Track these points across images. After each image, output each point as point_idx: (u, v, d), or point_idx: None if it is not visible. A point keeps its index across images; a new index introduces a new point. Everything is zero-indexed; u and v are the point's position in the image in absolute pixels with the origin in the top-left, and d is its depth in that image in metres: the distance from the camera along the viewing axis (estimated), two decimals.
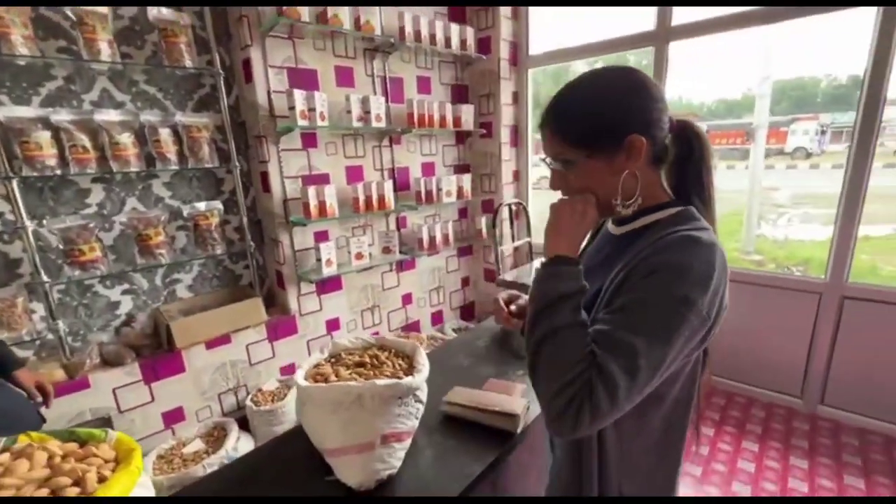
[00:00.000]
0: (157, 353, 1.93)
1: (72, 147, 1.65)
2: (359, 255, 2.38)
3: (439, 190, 2.65)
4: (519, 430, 1.02)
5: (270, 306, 2.31)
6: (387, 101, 2.45)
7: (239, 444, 1.92)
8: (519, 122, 3.07)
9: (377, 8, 2.24)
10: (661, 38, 2.37)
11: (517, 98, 3.02)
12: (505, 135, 2.97)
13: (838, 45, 2.57)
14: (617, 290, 0.60)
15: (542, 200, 3.45)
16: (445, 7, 2.74)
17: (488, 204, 3.11)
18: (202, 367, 2.03)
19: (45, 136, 1.60)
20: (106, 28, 1.66)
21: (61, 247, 1.69)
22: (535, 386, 0.60)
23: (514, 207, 2.96)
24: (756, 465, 1.95)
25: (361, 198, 2.31)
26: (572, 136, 0.64)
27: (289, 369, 2.35)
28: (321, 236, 2.36)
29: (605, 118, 0.62)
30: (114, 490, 0.57)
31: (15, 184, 1.57)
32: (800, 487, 1.81)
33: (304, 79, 2.16)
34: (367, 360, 1.00)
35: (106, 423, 1.80)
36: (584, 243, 0.70)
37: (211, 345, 2.04)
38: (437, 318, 3.11)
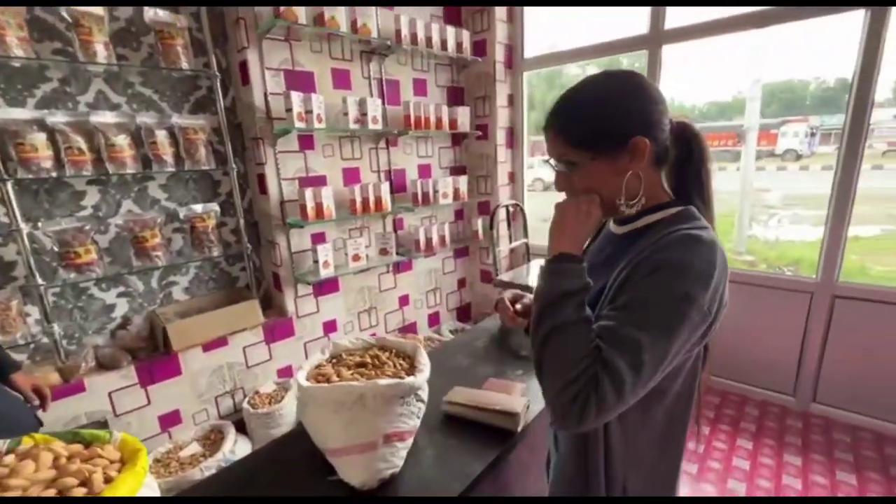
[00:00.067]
0: (153, 355, 1.92)
1: (67, 149, 1.64)
2: (356, 257, 2.38)
3: (436, 192, 2.66)
4: (519, 429, 1.03)
5: (267, 308, 2.31)
6: (383, 103, 2.46)
7: (236, 447, 1.91)
8: (514, 124, 3.09)
9: (374, 11, 2.25)
10: (654, 41, 2.40)
11: (513, 100, 3.04)
12: (501, 137, 2.99)
13: (826, 49, 2.62)
14: (620, 287, 0.62)
15: (536, 202, 3.48)
16: (441, 9, 2.76)
17: (484, 205, 3.13)
18: (199, 370, 2.02)
19: (40, 138, 1.59)
20: (102, 30, 1.66)
21: (56, 249, 1.68)
22: (541, 381, 0.62)
23: (510, 209, 2.98)
24: (751, 462, 1.97)
25: (358, 199, 2.32)
26: (576, 139, 0.65)
27: (286, 371, 2.34)
28: (318, 238, 2.36)
29: (609, 120, 0.63)
30: (120, 490, 0.57)
31: (9, 186, 1.56)
32: (793, 484, 1.84)
33: (300, 81, 2.17)
34: (369, 360, 1.01)
35: (102, 426, 1.78)
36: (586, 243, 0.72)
37: (207, 347, 2.03)
38: (433, 320, 3.11)
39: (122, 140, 1.74)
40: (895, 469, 1.89)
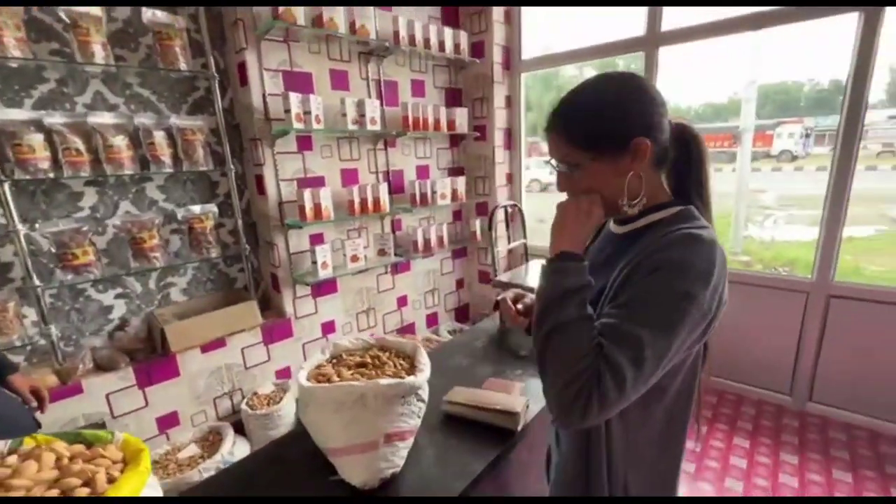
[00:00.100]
0: (151, 357, 1.92)
1: (65, 150, 1.63)
2: (354, 258, 2.39)
3: (434, 192, 2.67)
4: (519, 428, 1.03)
5: (265, 309, 2.31)
6: (381, 104, 2.46)
7: (235, 449, 1.90)
8: (512, 125, 3.10)
9: (372, 12, 2.25)
10: (651, 43, 2.42)
11: (510, 102, 3.06)
12: (498, 138, 3.00)
13: (820, 51, 2.65)
14: (622, 285, 0.63)
15: (533, 203, 3.49)
16: (439, 11, 2.77)
17: (482, 206, 3.14)
18: (197, 371, 2.02)
19: (37, 139, 1.58)
20: (100, 31, 1.66)
21: (54, 250, 1.68)
22: (543, 379, 0.62)
23: (509, 209, 2.99)
24: (748, 461, 1.99)
25: (357, 200, 2.32)
26: (578, 140, 0.66)
27: (284, 373, 2.34)
28: (316, 239, 2.36)
29: (610, 122, 0.64)
30: (124, 490, 0.57)
31: (6, 187, 1.55)
32: (790, 482, 1.85)
33: (299, 82, 2.17)
34: (369, 360, 1.01)
35: (99, 428, 1.77)
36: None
37: (206, 348, 2.02)
38: (431, 321, 3.12)
39: (119, 141, 1.74)
40: (890, 467, 1.90)
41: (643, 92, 0.65)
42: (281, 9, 1.91)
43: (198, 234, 1.99)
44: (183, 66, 1.85)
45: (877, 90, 2.01)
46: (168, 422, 1.97)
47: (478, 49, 2.87)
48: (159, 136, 1.84)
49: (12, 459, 0.60)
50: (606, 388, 0.56)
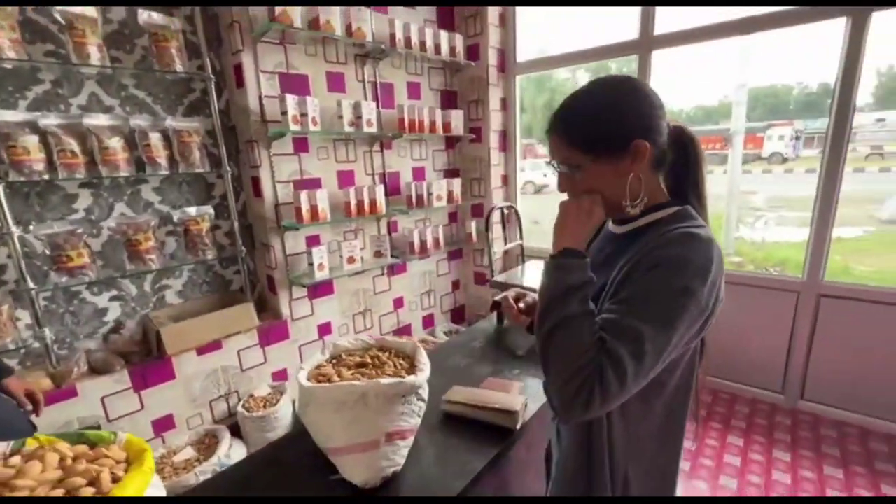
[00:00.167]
0: (146, 360, 1.90)
1: (60, 151, 1.62)
2: (351, 259, 2.39)
3: (430, 194, 2.68)
4: (518, 426, 1.04)
5: (262, 311, 2.30)
6: (378, 106, 2.47)
7: (231, 452, 1.89)
8: (507, 127, 3.12)
9: (368, 15, 2.26)
10: (644, 46, 2.45)
11: (505, 104, 3.08)
12: (494, 140, 3.02)
13: (809, 55, 2.70)
14: (622, 282, 0.64)
15: (528, 204, 3.51)
16: (435, 14, 2.79)
17: (478, 208, 3.15)
18: (193, 374, 2.01)
19: (32, 141, 1.57)
20: (95, 32, 1.65)
21: (48, 253, 1.66)
22: (546, 373, 0.63)
23: (505, 211, 3.01)
24: (741, 458, 2.01)
25: (353, 202, 2.32)
26: (578, 142, 0.68)
27: (281, 375, 2.33)
28: (313, 241, 2.36)
29: (611, 124, 0.66)
30: (128, 489, 0.58)
31: (1, 189, 1.54)
32: (783, 479, 1.88)
33: (295, 84, 2.17)
34: (369, 360, 1.02)
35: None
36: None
37: (202, 351, 2.01)
38: (428, 322, 3.12)
39: (115, 142, 1.73)
40: (880, 463, 1.94)
41: (642, 95, 0.67)
42: (278, 11, 1.91)
43: (194, 236, 1.99)
44: (179, 67, 1.85)
45: (864, 93, 2.05)
46: (163, 425, 1.96)
47: (473, 52, 2.89)
48: (155, 138, 1.83)
49: (15, 460, 0.60)
50: (608, 381, 0.57)
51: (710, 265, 0.61)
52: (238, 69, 2.01)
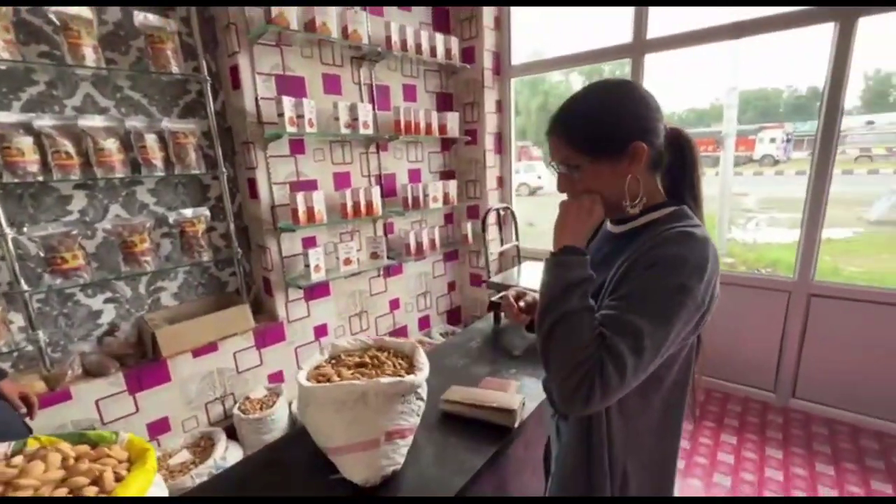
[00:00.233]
0: (141, 362, 1.89)
1: (54, 153, 1.61)
2: (347, 261, 2.39)
3: (425, 196, 2.69)
4: (516, 425, 1.05)
5: (257, 313, 2.29)
6: (374, 108, 2.48)
7: (227, 454, 1.89)
8: (502, 129, 3.14)
9: (364, 17, 2.27)
10: (637, 50, 2.49)
11: (500, 106, 3.10)
12: (489, 142, 3.03)
13: (798, 59, 2.75)
14: (621, 280, 0.66)
15: (522, 206, 3.53)
16: (431, 17, 2.80)
17: (473, 209, 3.17)
18: (188, 376, 2.00)
19: (26, 142, 1.56)
20: (91, 33, 1.64)
21: (42, 254, 1.65)
22: (547, 369, 0.65)
23: (501, 212, 3.02)
24: (735, 456, 2.04)
25: (349, 204, 2.33)
26: (578, 143, 0.69)
27: (277, 377, 2.33)
28: (309, 242, 2.36)
29: (609, 126, 0.68)
30: (132, 488, 0.58)
31: None
32: (775, 476, 1.90)
33: (291, 86, 2.18)
34: (368, 360, 1.03)
35: None
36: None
37: (197, 353, 2.01)
38: (424, 323, 3.13)
39: (110, 144, 1.72)
40: (870, 460, 1.97)
41: (639, 98, 0.69)
42: (274, 13, 1.91)
43: (189, 237, 1.98)
44: (175, 69, 1.84)
45: (852, 97, 2.10)
46: (159, 428, 1.94)
47: (468, 54, 2.91)
48: (151, 140, 1.82)
49: (18, 460, 0.60)
50: (608, 375, 0.58)
51: (706, 263, 0.63)
52: (234, 71, 2.01)
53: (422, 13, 2.75)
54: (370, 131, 2.35)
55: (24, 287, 1.62)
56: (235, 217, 2.20)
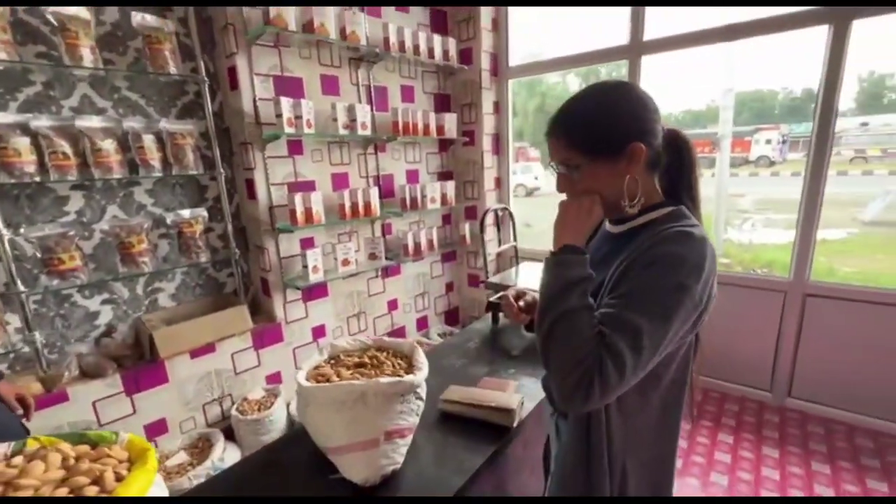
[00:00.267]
0: (138, 363, 1.89)
1: (52, 153, 1.61)
2: (345, 262, 2.39)
3: (423, 197, 2.69)
4: (515, 424, 1.06)
5: (255, 314, 2.29)
6: (372, 109, 2.49)
7: (225, 455, 1.88)
8: (500, 130, 3.15)
9: (362, 18, 2.28)
10: (634, 51, 2.50)
11: (498, 107, 3.11)
12: (487, 143, 3.04)
13: (793, 61, 2.77)
14: (619, 279, 0.67)
15: (519, 207, 3.54)
16: (429, 18, 2.81)
17: (471, 210, 3.17)
18: (186, 377, 1.99)
19: (23, 143, 1.56)
20: (88, 34, 1.64)
21: (39, 255, 1.65)
22: (547, 367, 0.65)
23: (499, 213, 3.03)
24: (731, 455, 2.05)
25: (347, 204, 2.33)
26: (577, 144, 0.70)
27: (275, 378, 2.32)
28: (307, 243, 2.36)
29: (608, 127, 0.69)
30: (132, 488, 0.58)
31: None
32: (772, 475, 1.92)
33: (289, 87, 2.18)
34: (367, 360, 1.03)
35: None
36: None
37: (195, 354, 2.00)
38: (422, 324, 3.13)
39: (108, 145, 1.72)
40: (865, 459, 1.98)
41: (638, 99, 0.70)
42: (272, 14, 1.92)
43: (187, 238, 1.98)
44: (172, 69, 1.84)
45: (846, 99, 2.12)
46: (156, 429, 1.94)
47: (466, 56, 2.92)
48: (148, 140, 1.82)
49: (18, 460, 0.60)
50: (608, 373, 0.59)
51: (704, 262, 0.64)
52: (232, 72, 2.01)
53: (419, 14, 2.75)
54: (368, 132, 2.36)
55: (21, 288, 1.61)
56: (233, 218, 2.20)
